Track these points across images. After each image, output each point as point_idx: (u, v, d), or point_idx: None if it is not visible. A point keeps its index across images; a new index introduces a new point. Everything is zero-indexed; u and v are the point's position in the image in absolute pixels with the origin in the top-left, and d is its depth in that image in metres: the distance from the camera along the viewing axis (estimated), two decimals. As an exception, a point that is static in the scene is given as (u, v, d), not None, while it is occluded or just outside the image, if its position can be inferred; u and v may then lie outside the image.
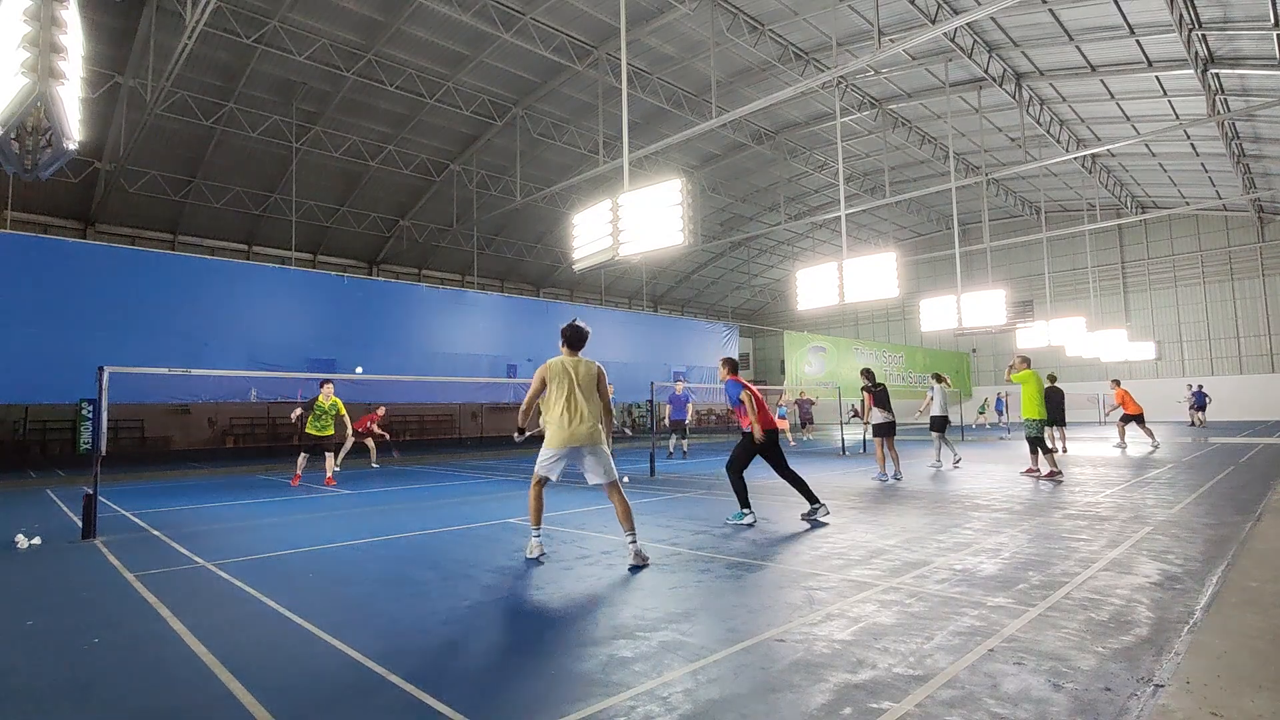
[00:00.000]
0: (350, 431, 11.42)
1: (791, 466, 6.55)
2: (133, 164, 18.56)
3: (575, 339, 5.17)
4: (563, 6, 15.30)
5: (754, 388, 6.53)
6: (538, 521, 5.13)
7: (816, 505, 6.43)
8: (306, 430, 10.25)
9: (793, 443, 19.72)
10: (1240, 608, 3.39)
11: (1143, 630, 3.15)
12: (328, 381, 10.45)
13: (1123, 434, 14.49)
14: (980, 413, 28.03)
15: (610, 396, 5.28)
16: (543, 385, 5.01)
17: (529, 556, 5.00)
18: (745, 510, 6.43)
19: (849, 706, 2.41)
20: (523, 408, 5.13)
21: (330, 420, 10.36)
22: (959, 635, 3.12)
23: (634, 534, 4.80)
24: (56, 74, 3.20)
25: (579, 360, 5.12)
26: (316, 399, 10.26)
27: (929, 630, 3.20)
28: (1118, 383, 14.99)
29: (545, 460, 4.98)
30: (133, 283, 11.35)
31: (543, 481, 5.08)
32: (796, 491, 6.52)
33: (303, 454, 10.43)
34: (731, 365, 6.82)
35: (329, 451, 10.48)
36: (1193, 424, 24.00)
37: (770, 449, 6.42)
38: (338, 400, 10.41)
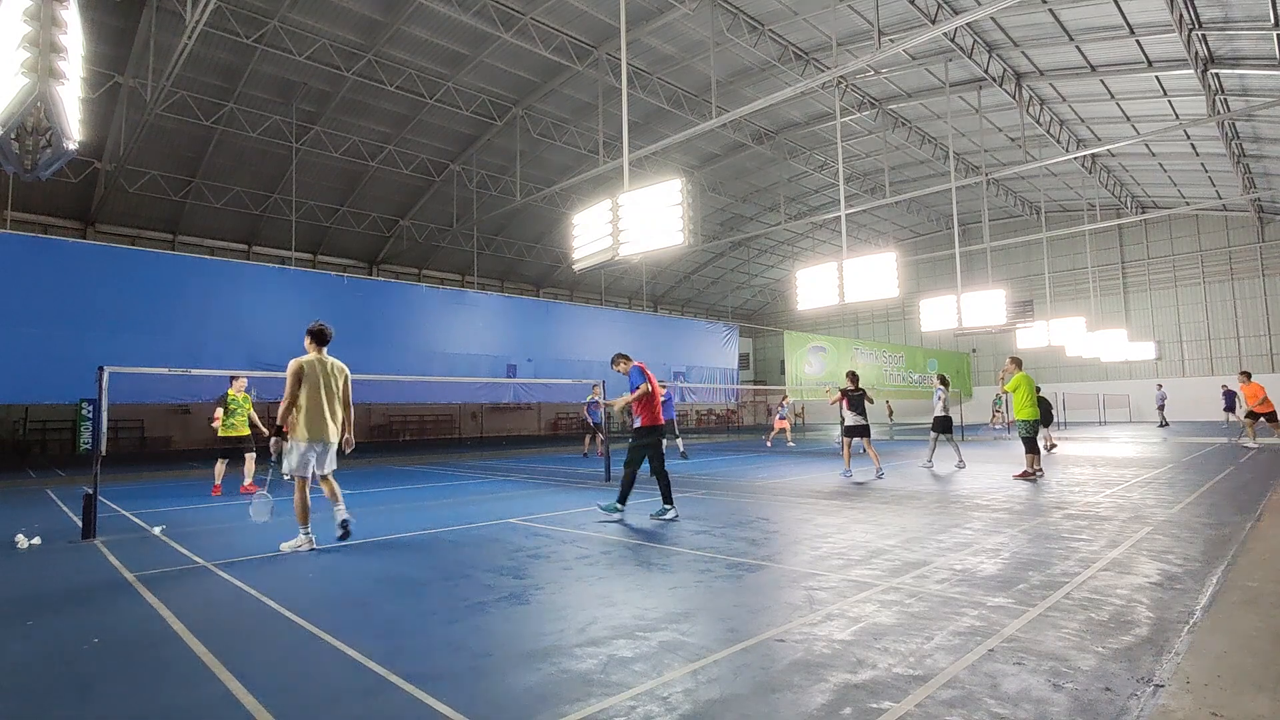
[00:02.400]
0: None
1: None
2: (133, 164, 18.57)
3: (322, 337, 5.59)
4: (563, 6, 15.30)
5: (655, 381, 6.89)
6: (306, 520, 5.44)
7: (668, 508, 6.70)
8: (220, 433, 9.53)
9: (791, 443, 19.69)
10: (1240, 608, 3.39)
11: (1143, 630, 3.15)
12: (237, 377, 9.68)
13: (1251, 431, 13.89)
14: (997, 408, 27.64)
15: (350, 395, 5.79)
16: (299, 382, 5.34)
17: (300, 549, 5.34)
18: (620, 506, 6.74)
19: (849, 706, 2.41)
20: (284, 406, 5.38)
21: (244, 418, 9.59)
22: (959, 635, 3.12)
23: (341, 504, 5.61)
24: (56, 74, 3.20)
25: (327, 358, 5.57)
26: (226, 394, 9.54)
27: (929, 630, 3.20)
28: (1248, 375, 14.22)
29: (301, 457, 5.36)
30: (133, 283, 11.34)
31: (307, 481, 5.46)
32: (660, 487, 6.80)
33: (220, 459, 9.74)
34: (624, 357, 7.21)
35: (247, 453, 9.75)
36: (1227, 423, 24.21)
37: (657, 444, 6.78)
38: (247, 396, 9.63)
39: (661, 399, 7.19)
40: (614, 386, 15.26)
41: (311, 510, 5.54)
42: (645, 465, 6.79)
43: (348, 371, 5.75)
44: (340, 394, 5.62)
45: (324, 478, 5.61)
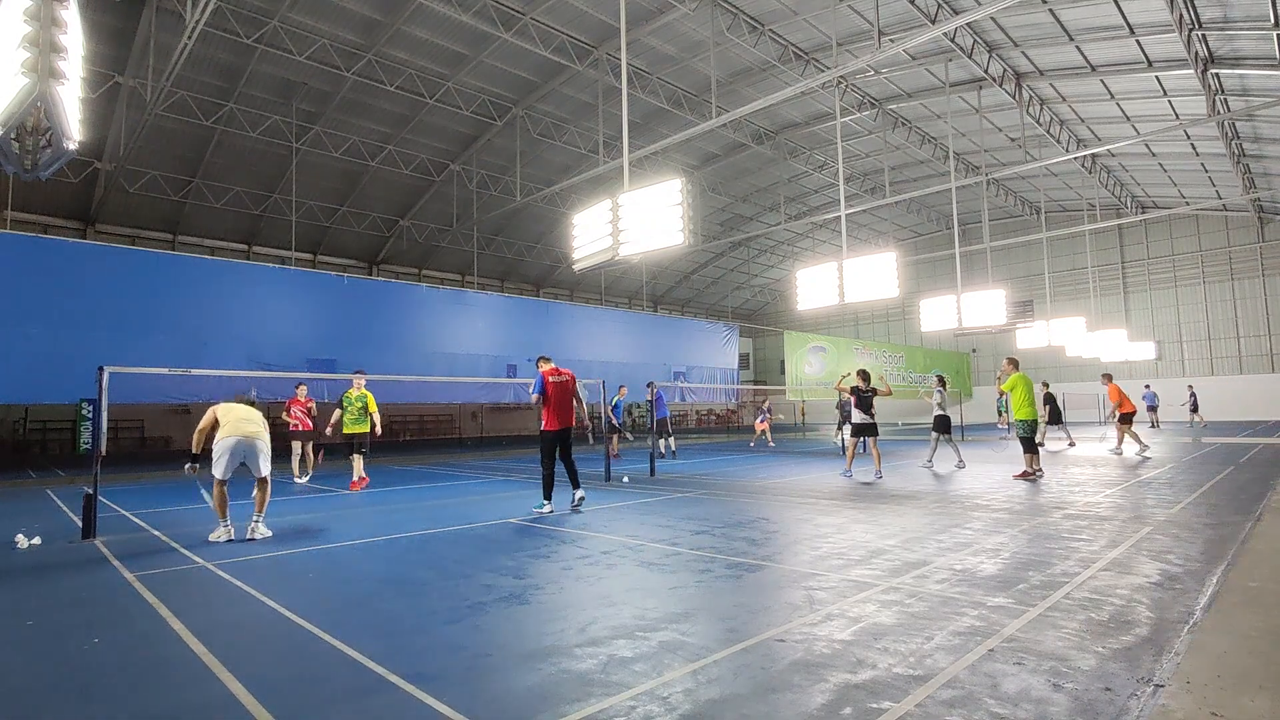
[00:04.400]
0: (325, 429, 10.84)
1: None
2: (133, 164, 18.56)
3: None
4: (563, 6, 15.30)
5: (554, 384, 7.43)
6: (225, 513, 6.08)
7: (577, 490, 7.50)
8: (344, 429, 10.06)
9: (771, 444, 19.44)
10: (1240, 608, 3.39)
11: (1143, 630, 3.15)
12: (359, 372, 10.32)
13: (1121, 437, 13.68)
14: (1000, 413, 27.64)
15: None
16: (214, 422, 6.02)
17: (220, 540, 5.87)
18: (546, 502, 7.27)
19: (849, 706, 2.41)
20: (196, 436, 5.99)
21: (358, 415, 10.06)
22: (959, 635, 3.12)
23: (261, 516, 6.14)
24: (56, 74, 3.20)
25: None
26: (347, 393, 10.08)
27: (929, 630, 3.20)
28: (1109, 377, 14.21)
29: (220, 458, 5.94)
30: (133, 283, 11.35)
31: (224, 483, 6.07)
32: (569, 475, 7.55)
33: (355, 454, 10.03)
34: (544, 359, 7.75)
35: (357, 452, 10.12)
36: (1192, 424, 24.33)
37: (564, 443, 7.50)
38: (367, 393, 10.15)
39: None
40: (614, 386, 15.27)
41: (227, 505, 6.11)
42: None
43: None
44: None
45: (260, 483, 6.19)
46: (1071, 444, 14.74)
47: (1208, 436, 18.03)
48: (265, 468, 6.08)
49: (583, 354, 17.57)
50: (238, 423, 5.97)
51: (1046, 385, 17.05)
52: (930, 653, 2.91)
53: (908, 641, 3.05)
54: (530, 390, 7.59)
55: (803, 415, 32.54)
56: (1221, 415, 28.16)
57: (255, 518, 6.12)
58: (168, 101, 15.99)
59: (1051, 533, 5.56)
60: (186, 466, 6.06)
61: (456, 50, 16.88)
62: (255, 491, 6.15)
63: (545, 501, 7.29)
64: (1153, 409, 24.71)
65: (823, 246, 34.82)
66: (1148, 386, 25.72)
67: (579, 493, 7.48)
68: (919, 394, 12.37)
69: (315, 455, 11.67)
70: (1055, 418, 15.77)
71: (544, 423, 7.43)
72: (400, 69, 17.10)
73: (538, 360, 7.79)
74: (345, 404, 10.11)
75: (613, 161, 15.94)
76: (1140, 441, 12.56)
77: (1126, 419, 13.34)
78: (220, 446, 5.87)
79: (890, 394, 12.04)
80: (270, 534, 6.12)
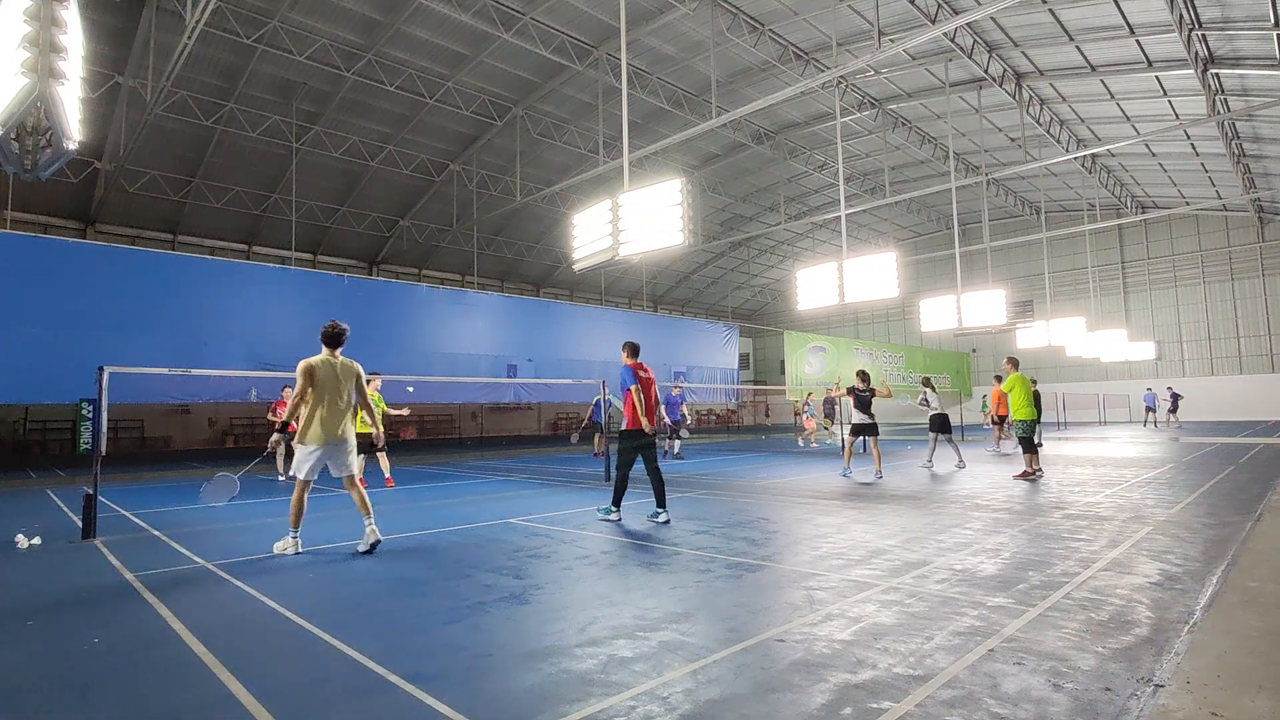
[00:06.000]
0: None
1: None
2: (133, 164, 18.56)
3: (332, 339, 5.52)
4: (563, 6, 15.30)
5: (646, 378, 6.63)
6: (299, 523, 5.39)
7: (660, 511, 6.54)
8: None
9: (814, 444, 19.37)
10: (1240, 608, 3.38)
11: (1143, 630, 3.15)
12: (375, 375, 10.39)
13: (999, 436, 13.41)
14: (983, 410, 27.90)
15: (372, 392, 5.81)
16: (309, 382, 5.24)
17: (286, 552, 5.29)
18: (615, 509, 6.64)
19: (849, 706, 2.41)
20: (290, 405, 5.32)
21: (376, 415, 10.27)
22: (959, 635, 3.12)
23: (371, 519, 5.37)
24: (56, 74, 3.20)
25: (338, 358, 5.50)
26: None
27: (929, 630, 3.20)
28: (1000, 379, 12.63)
29: (305, 460, 5.27)
30: (133, 283, 11.34)
31: (309, 484, 5.36)
32: (653, 490, 6.65)
33: (379, 453, 10.11)
34: (632, 350, 6.76)
35: (379, 451, 10.18)
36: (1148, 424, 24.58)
37: (649, 447, 6.61)
38: (377, 394, 10.23)
39: (665, 400, 6.99)
40: (614, 387, 15.26)
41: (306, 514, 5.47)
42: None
43: (359, 369, 5.62)
44: (347, 395, 5.47)
45: (351, 483, 5.47)
46: (1041, 444, 14.62)
47: (1186, 437, 18.08)
48: (353, 465, 5.49)
49: (583, 354, 17.56)
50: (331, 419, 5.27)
51: (1034, 382, 17.03)
52: (930, 653, 2.91)
53: (908, 641, 3.05)
54: (620, 386, 6.67)
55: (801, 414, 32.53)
56: (1222, 415, 28.20)
57: (367, 521, 5.37)
58: (168, 101, 15.99)
59: (1051, 533, 5.56)
60: (272, 438, 5.53)
61: (456, 50, 16.88)
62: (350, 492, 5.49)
63: (614, 508, 6.66)
64: (1150, 410, 24.79)
65: (823, 246, 34.82)
66: (1150, 389, 25.78)
67: (664, 514, 6.50)
68: (919, 395, 12.39)
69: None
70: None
71: (627, 421, 6.54)
72: (400, 69, 17.10)
73: (625, 348, 6.77)
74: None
75: (613, 161, 15.95)
76: (1001, 440, 12.47)
77: (1000, 421, 14.07)
78: (305, 451, 5.24)
79: (890, 395, 12.05)
80: (380, 539, 5.39)
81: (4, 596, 4.23)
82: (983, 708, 2.37)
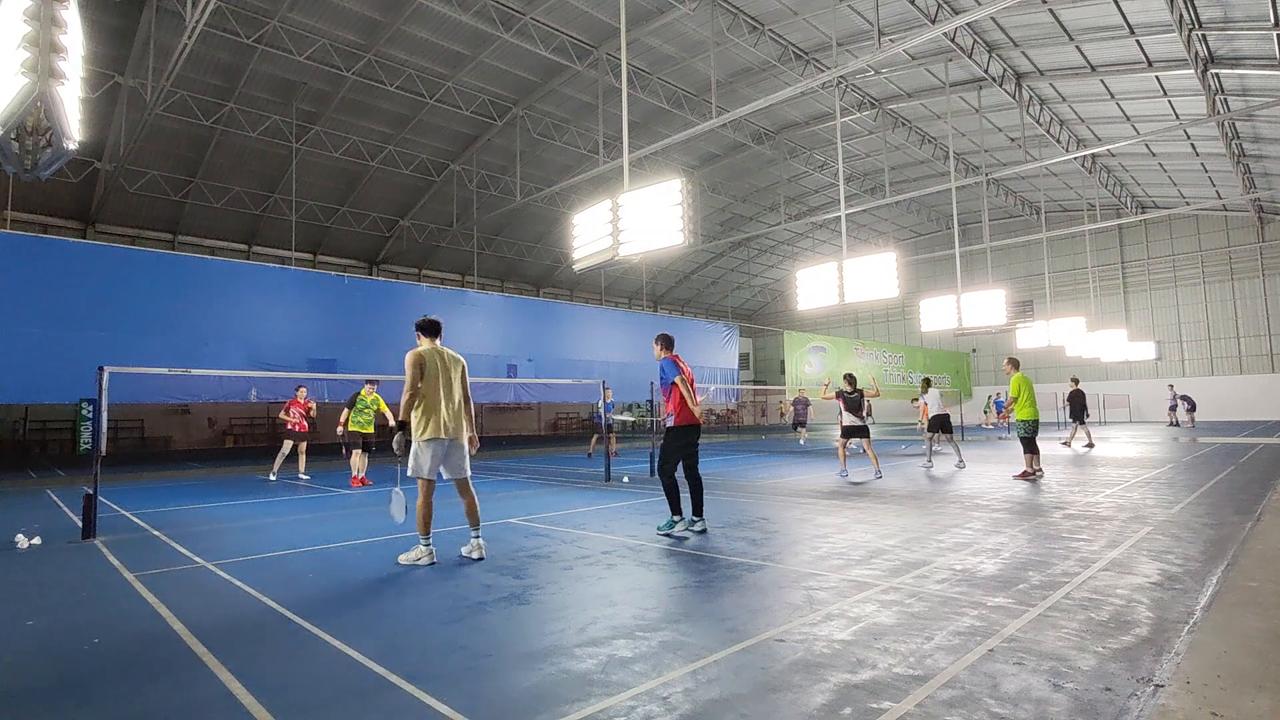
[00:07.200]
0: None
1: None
2: (133, 164, 18.56)
3: (433, 329, 5.11)
4: (563, 6, 15.30)
5: (689, 371, 6.11)
6: (428, 530, 4.96)
7: (697, 520, 5.87)
8: (350, 428, 10.47)
9: (803, 441, 19.52)
10: (1240, 608, 3.38)
11: (1143, 630, 3.15)
12: (373, 380, 10.77)
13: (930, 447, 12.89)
14: (999, 411, 27.87)
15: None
16: (420, 374, 4.79)
17: (419, 563, 4.85)
18: (677, 518, 5.87)
19: (849, 706, 2.41)
20: (404, 400, 4.80)
21: (371, 416, 10.62)
22: (959, 635, 3.12)
23: (478, 533, 5.09)
24: (56, 74, 3.20)
25: (444, 349, 5.08)
26: (358, 394, 10.57)
27: (929, 630, 3.20)
28: (927, 382, 12.58)
29: (429, 458, 4.86)
30: (133, 283, 11.32)
31: (433, 484, 4.94)
32: (691, 495, 5.93)
33: (357, 452, 10.53)
34: (667, 342, 6.31)
35: (366, 450, 10.65)
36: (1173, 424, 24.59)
37: (694, 446, 5.94)
38: (378, 397, 10.64)
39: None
40: (616, 386, 15.26)
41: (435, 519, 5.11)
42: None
43: (464, 362, 5.20)
44: (460, 387, 5.08)
45: (463, 486, 5.14)
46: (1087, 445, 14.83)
47: (1183, 436, 18.09)
48: (468, 467, 5.10)
49: (583, 354, 17.55)
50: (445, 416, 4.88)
51: (1076, 381, 17.11)
52: (930, 653, 2.91)
53: (908, 641, 3.05)
54: (661, 381, 6.12)
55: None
56: (1222, 415, 28.20)
57: (474, 533, 5.09)
58: (168, 101, 15.99)
59: (1051, 533, 5.56)
60: (395, 437, 4.86)
61: (456, 50, 16.88)
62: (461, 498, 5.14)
63: (676, 518, 5.84)
64: (1173, 409, 24.93)
65: (823, 246, 34.82)
66: (1172, 386, 26.05)
67: (700, 522, 5.84)
68: (917, 400, 12.40)
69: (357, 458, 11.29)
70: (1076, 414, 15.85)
71: (675, 417, 5.89)
72: (400, 69, 17.10)
73: (659, 341, 6.32)
74: (359, 405, 10.56)
75: (613, 161, 15.94)
76: (931, 453, 12.19)
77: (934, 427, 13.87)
78: (422, 445, 4.85)
79: (878, 395, 12.04)
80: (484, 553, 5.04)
81: (4, 596, 4.23)
82: (983, 708, 2.37)
